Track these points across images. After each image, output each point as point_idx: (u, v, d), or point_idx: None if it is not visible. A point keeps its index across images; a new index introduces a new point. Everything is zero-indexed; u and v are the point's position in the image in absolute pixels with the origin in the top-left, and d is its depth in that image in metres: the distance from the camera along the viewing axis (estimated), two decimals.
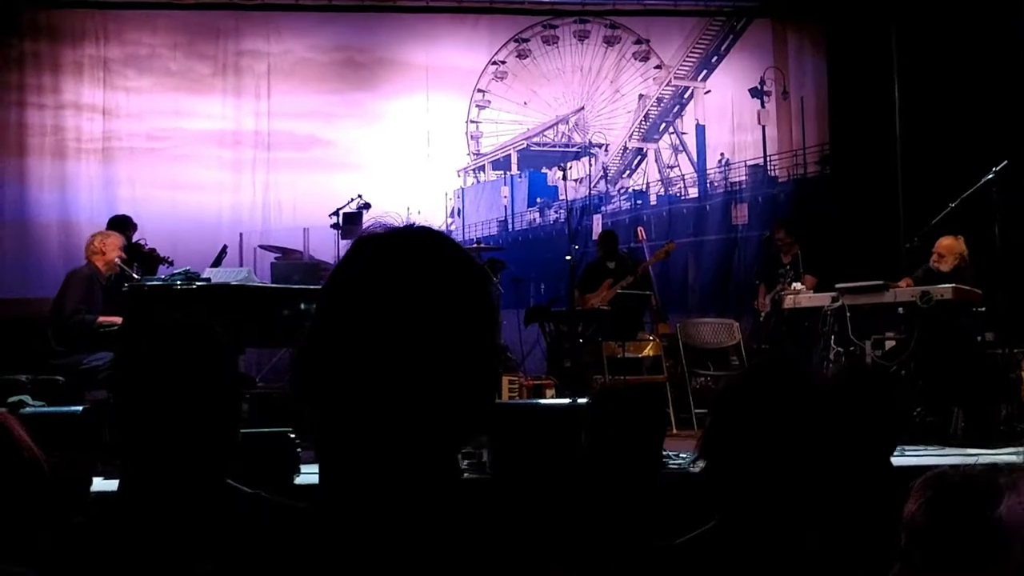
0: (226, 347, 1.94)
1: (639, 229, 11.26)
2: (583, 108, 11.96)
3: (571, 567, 1.13)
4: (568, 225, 9.72)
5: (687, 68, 11.93)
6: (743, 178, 11.75)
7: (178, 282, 7.08)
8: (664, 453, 5.46)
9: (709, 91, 11.91)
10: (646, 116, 11.99)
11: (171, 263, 8.21)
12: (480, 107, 11.79)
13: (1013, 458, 5.71)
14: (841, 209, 10.88)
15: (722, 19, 11.86)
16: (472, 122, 11.77)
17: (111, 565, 1.69)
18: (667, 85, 11.96)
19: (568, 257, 9.20)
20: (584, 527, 3.07)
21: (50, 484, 1.77)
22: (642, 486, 3.20)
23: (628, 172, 11.99)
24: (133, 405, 1.85)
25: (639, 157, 12.03)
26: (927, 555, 1.74)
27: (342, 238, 8.76)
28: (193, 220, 10.57)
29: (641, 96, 11.98)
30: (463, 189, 11.75)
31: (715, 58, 11.90)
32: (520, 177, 11.99)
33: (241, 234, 10.59)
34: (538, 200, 11.95)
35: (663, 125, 12.02)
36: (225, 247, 9.16)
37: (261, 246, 10.16)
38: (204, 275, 7.41)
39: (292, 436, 5.00)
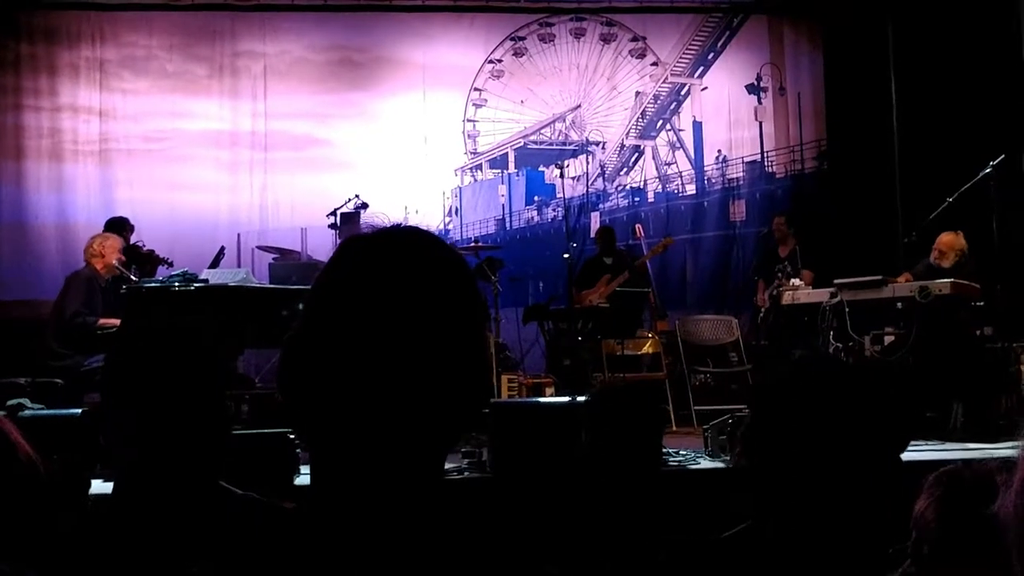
0: (215, 348, 1.93)
1: (637, 226, 11.26)
2: (580, 106, 11.96)
3: (564, 565, 1.13)
4: (566, 223, 9.71)
5: (684, 65, 11.93)
6: (740, 174, 11.75)
7: (176, 283, 7.07)
8: (664, 450, 5.47)
9: (706, 88, 11.91)
10: (643, 113, 11.98)
11: (171, 264, 8.21)
12: (477, 106, 11.79)
13: (1012, 452, 5.71)
14: (839, 205, 10.88)
15: (718, 15, 11.86)
16: (469, 121, 11.77)
17: (105, 566, 1.69)
18: (664, 82, 11.96)
19: (566, 255, 9.19)
20: (584, 525, 3.07)
21: (47, 487, 1.77)
22: (642, 483, 3.19)
23: (625, 169, 11.99)
24: (123, 407, 1.85)
25: (636, 154, 12.03)
26: (937, 551, 1.73)
27: (340, 238, 8.75)
28: (191, 221, 10.57)
29: (638, 93, 11.97)
30: (460, 188, 11.75)
31: (712, 55, 11.89)
32: (517, 175, 11.98)
33: (239, 235, 10.60)
34: (536, 198, 11.95)
35: (660, 122, 12.02)
36: (223, 248, 9.16)
37: (259, 247, 10.15)
38: (202, 276, 7.40)
39: (291, 437, 4.99)
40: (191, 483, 1.84)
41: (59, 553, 1.71)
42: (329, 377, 1.07)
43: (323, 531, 1.08)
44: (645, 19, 11.93)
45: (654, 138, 12.01)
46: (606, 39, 11.92)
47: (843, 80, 11.20)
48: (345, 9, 11.33)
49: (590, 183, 11.70)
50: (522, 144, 11.95)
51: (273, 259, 9.41)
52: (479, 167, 11.91)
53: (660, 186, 11.93)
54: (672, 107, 12.01)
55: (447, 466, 4.62)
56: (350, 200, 9.04)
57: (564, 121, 11.98)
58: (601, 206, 11.81)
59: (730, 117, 11.83)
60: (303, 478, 5.01)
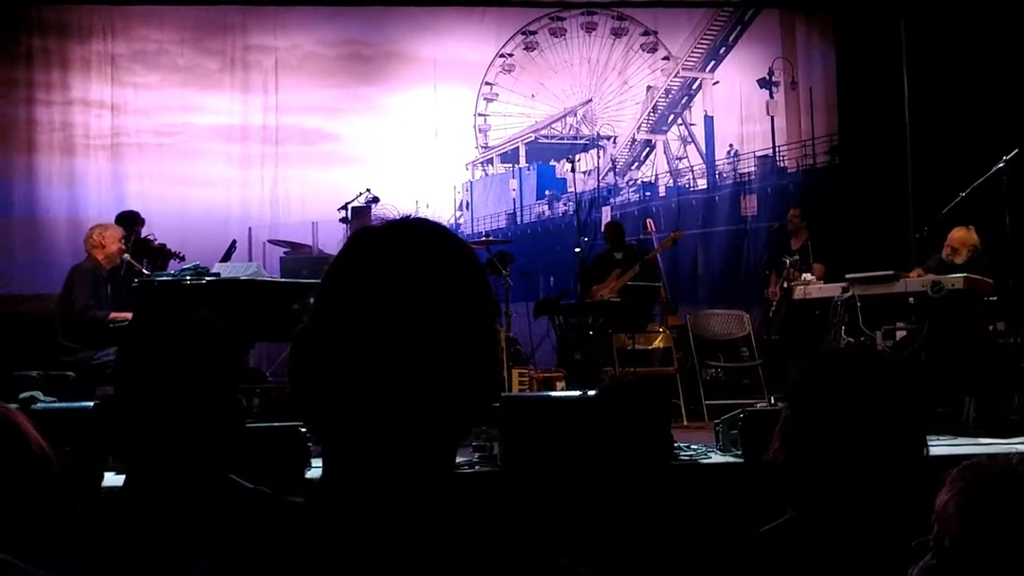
0: (227, 341, 1.93)
1: (648, 221, 11.23)
2: (591, 100, 11.94)
3: (576, 558, 1.12)
4: (577, 217, 9.71)
5: (695, 59, 11.90)
6: (752, 169, 11.72)
7: (187, 277, 7.09)
8: (675, 445, 5.46)
9: (717, 82, 11.88)
10: (654, 108, 11.96)
11: (182, 258, 8.23)
12: (488, 100, 11.78)
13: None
14: (851, 199, 10.85)
15: (730, 9, 11.83)
16: (480, 115, 11.76)
17: (116, 558, 1.69)
18: (675, 76, 11.93)
19: (577, 249, 9.19)
20: (594, 519, 3.07)
21: (60, 479, 1.77)
22: (652, 477, 3.19)
23: (637, 164, 11.97)
24: (136, 400, 1.85)
25: (648, 149, 12.00)
26: (959, 544, 1.73)
27: (351, 232, 8.73)
28: (202, 215, 10.59)
29: (649, 88, 11.95)
30: (471, 182, 11.74)
31: (723, 49, 11.86)
32: (528, 170, 11.97)
33: (250, 229, 10.61)
34: (547, 193, 11.94)
35: (671, 116, 11.99)
36: (234, 242, 9.18)
37: (270, 241, 10.17)
38: (213, 270, 7.42)
39: (303, 430, 4.99)
40: (202, 476, 1.84)
41: (71, 545, 1.72)
42: (340, 370, 1.06)
43: (334, 525, 1.08)
44: (656, 13, 11.91)
45: (665, 132, 11.99)
46: (617, 33, 11.90)
47: (855, 74, 11.16)
48: (356, 3, 11.32)
49: (601, 177, 11.68)
50: (533, 138, 11.94)
51: (284, 253, 9.43)
52: (490, 161, 11.90)
53: (671, 180, 11.91)
54: (683, 101, 11.98)
55: (459, 460, 4.62)
56: (361, 194, 9.04)
57: (575, 115, 11.97)
58: (612, 200, 11.79)
59: (742, 111, 11.80)
60: (314, 471, 5.01)
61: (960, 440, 6.30)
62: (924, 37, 10.30)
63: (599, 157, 11.81)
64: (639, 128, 11.96)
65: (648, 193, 11.89)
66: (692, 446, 5.81)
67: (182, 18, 10.97)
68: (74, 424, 4.75)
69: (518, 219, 11.86)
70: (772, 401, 6.54)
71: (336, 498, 1.09)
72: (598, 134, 11.91)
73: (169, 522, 1.77)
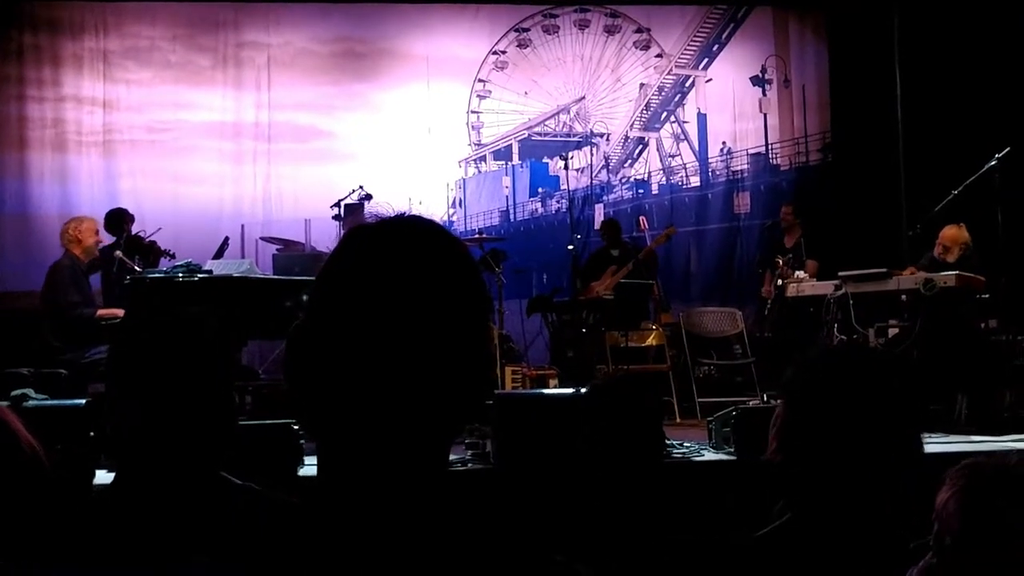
0: (221, 338, 1.93)
1: (641, 218, 11.25)
2: (584, 98, 11.94)
3: (572, 555, 1.12)
4: (570, 215, 9.71)
5: (688, 57, 11.91)
6: (745, 166, 11.73)
7: (180, 274, 7.07)
8: (668, 442, 5.46)
9: (710, 80, 11.89)
10: (647, 105, 11.96)
11: (173, 256, 8.21)
12: (481, 97, 11.77)
13: (1019, 445, 5.71)
14: (843, 197, 10.87)
15: (723, 7, 11.83)
16: (473, 112, 11.75)
17: (106, 556, 1.69)
18: (668, 74, 11.93)
19: (570, 247, 9.19)
20: (588, 516, 3.07)
21: (50, 478, 1.76)
22: (644, 474, 3.19)
23: (630, 161, 11.97)
24: (128, 397, 1.85)
25: (641, 146, 12.01)
26: (959, 543, 1.73)
27: (343, 229, 8.73)
28: (194, 212, 10.57)
29: (642, 85, 11.95)
30: (464, 179, 11.74)
31: (716, 46, 11.87)
32: (521, 167, 11.97)
33: (243, 226, 10.60)
34: (540, 190, 11.94)
35: (664, 114, 11.99)
36: (227, 239, 9.15)
37: (263, 238, 10.15)
38: (206, 267, 7.40)
39: (295, 428, 4.99)
40: (194, 474, 1.83)
41: (61, 543, 1.71)
42: (334, 367, 1.07)
43: (331, 524, 1.08)
44: (649, 10, 11.91)
45: (658, 130, 11.99)
46: (610, 30, 11.89)
47: (848, 72, 11.18)
48: (349, 0, 11.31)
49: (594, 175, 11.68)
50: (526, 135, 11.94)
51: (277, 250, 9.41)
52: (483, 158, 11.89)
53: (664, 178, 11.92)
54: (676, 99, 11.98)
55: (452, 457, 4.61)
56: (354, 191, 9.02)
57: (568, 113, 11.96)
58: (605, 198, 11.79)
59: (734, 109, 11.81)
60: (307, 469, 5.01)
61: (952, 438, 6.32)
62: (917, 35, 10.32)
63: (592, 154, 11.81)
64: (632, 125, 11.96)
65: (641, 191, 11.90)
66: (685, 444, 5.81)
67: (174, 15, 10.94)
68: (66, 422, 4.73)
69: (511, 216, 11.86)
70: (765, 399, 6.54)
71: (333, 497, 1.09)
72: (591, 131, 11.91)
73: (160, 519, 1.76)
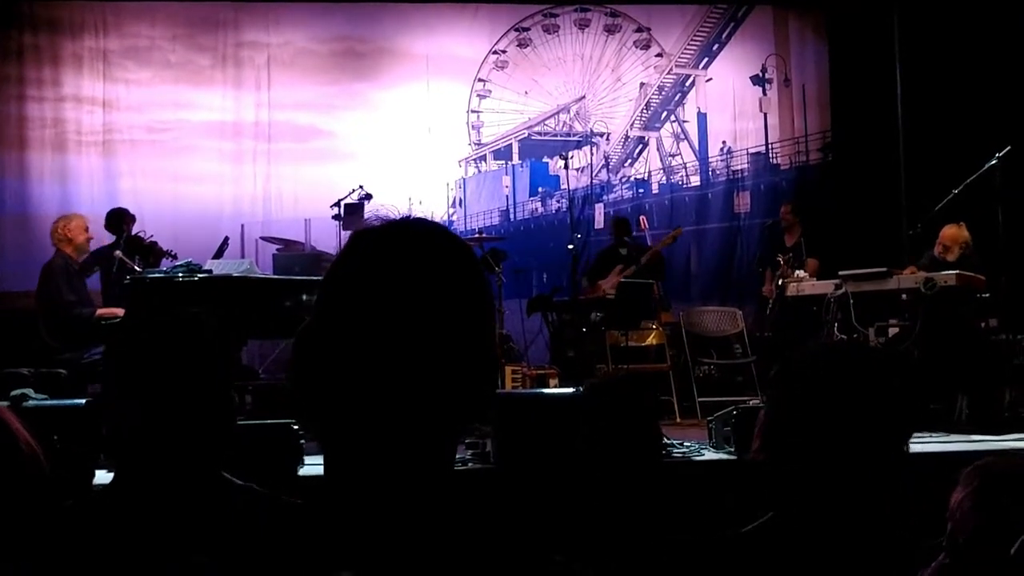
0: (219, 338, 1.93)
1: (641, 218, 11.25)
2: (584, 97, 11.93)
3: (571, 555, 1.12)
4: (570, 214, 9.70)
5: (688, 56, 11.90)
6: (745, 166, 11.72)
7: (180, 274, 7.08)
8: (668, 442, 5.46)
9: (710, 79, 11.88)
10: (647, 104, 11.96)
11: (174, 256, 8.21)
12: (481, 96, 11.77)
13: (1020, 444, 5.70)
14: (843, 196, 10.86)
15: (723, 6, 11.82)
16: (473, 112, 11.75)
17: (106, 556, 1.68)
18: (668, 73, 11.93)
19: (570, 246, 9.18)
20: (587, 516, 3.06)
21: (49, 478, 1.76)
22: (642, 474, 3.18)
23: (630, 161, 11.97)
24: (127, 397, 1.84)
25: (641, 146, 12.00)
26: (973, 542, 1.73)
27: (343, 229, 8.74)
28: (194, 212, 10.57)
29: (642, 84, 11.95)
30: (464, 179, 11.73)
31: (716, 46, 11.86)
32: (521, 166, 11.97)
33: (243, 225, 10.60)
34: (540, 189, 11.94)
35: (664, 113, 11.99)
36: (227, 239, 9.15)
37: (263, 237, 10.15)
38: (206, 267, 7.40)
39: (295, 427, 4.99)
40: (193, 473, 1.83)
41: (61, 543, 1.71)
42: (341, 369, 1.07)
43: (335, 524, 1.08)
44: (650, 10, 11.90)
45: (658, 129, 11.99)
46: (610, 30, 11.89)
47: (848, 71, 11.17)
48: (348, 0, 11.31)
49: (594, 174, 11.68)
50: (526, 135, 11.93)
51: (277, 250, 9.41)
52: (483, 158, 11.89)
53: (664, 177, 11.91)
54: (676, 98, 11.98)
55: None
56: (354, 191, 9.02)
57: (568, 112, 11.96)
58: (605, 197, 11.79)
59: (735, 108, 11.81)
60: (307, 469, 5.01)
61: (952, 437, 6.31)
62: (917, 34, 10.31)
63: (592, 154, 11.81)
64: (632, 125, 11.95)
65: (641, 190, 11.89)
66: (685, 443, 5.81)
67: (174, 14, 10.94)
68: (65, 422, 4.73)
69: (511, 216, 11.85)
70: (765, 398, 6.53)
71: (339, 497, 1.10)
72: (591, 131, 11.91)
73: (160, 519, 1.76)
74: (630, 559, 2.72)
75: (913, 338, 7.16)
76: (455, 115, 11.59)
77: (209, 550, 1.59)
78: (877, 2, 10.78)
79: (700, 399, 8.54)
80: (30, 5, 10.74)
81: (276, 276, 7.89)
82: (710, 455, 5.55)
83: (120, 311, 7.13)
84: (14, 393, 5.59)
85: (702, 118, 11.86)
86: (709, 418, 5.95)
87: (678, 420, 8.17)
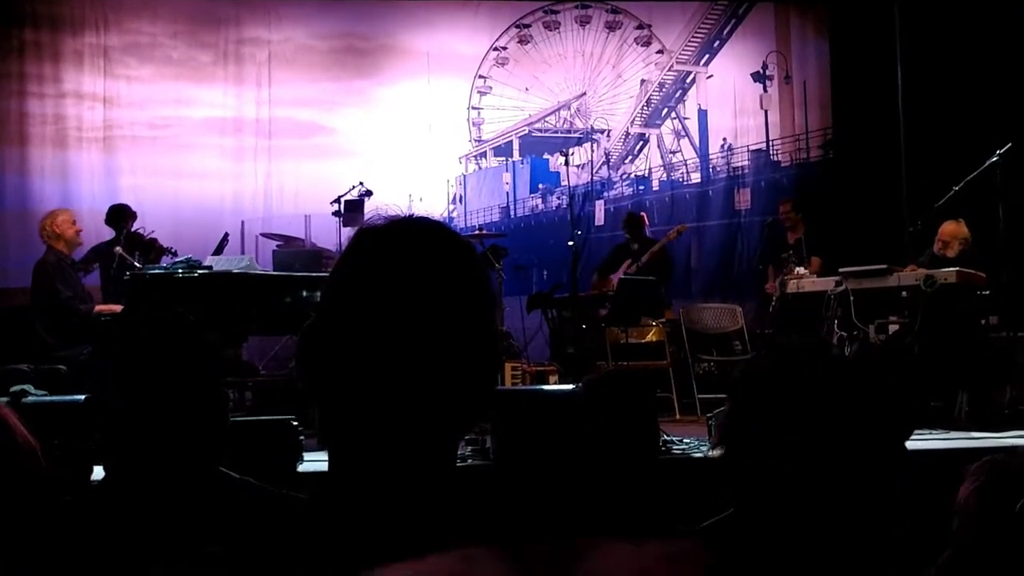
0: (202, 335, 1.93)
1: (642, 215, 11.23)
2: (585, 94, 11.93)
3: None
4: (571, 211, 9.69)
5: (689, 53, 11.90)
6: (746, 163, 11.72)
7: (180, 270, 7.08)
8: (667, 438, 5.47)
9: (711, 76, 11.88)
10: (648, 101, 11.95)
11: (174, 253, 8.21)
12: (482, 93, 11.77)
13: (1020, 441, 5.70)
14: (844, 193, 10.85)
15: (724, 3, 11.82)
16: (474, 108, 11.75)
17: (102, 552, 1.69)
18: (669, 70, 11.92)
19: (571, 243, 9.18)
20: (586, 512, 3.06)
21: (46, 474, 1.76)
22: (639, 471, 3.18)
23: (630, 157, 11.96)
24: (123, 394, 1.85)
25: (641, 142, 12.00)
26: (979, 539, 1.73)
27: (344, 225, 8.74)
28: (195, 208, 10.56)
29: (643, 81, 11.94)
30: (465, 176, 11.73)
31: (717, 42, 11.86)
32: (522, 163, 11.97)
33: (243, 222, 10.59)
34: (540, 186, 11.94)
35: (665, 110, 11.99)
36: (227, 235, 9.13)
37: (263, 234, 10.14)
38: (206, 263, 7.40)
39: (295, 424, 4.99)
40: (190, 468, 1.83)
41: (58, 539, 1.71)
42: (346, 366, 1.09)
43: (338, 518, 1.09)
44: (651, 7, 11.90)
45: (659, 126, 11.98)
46: (611, 27, 11.88)
47: (849, 68, 11.16)
48: None
49: (595, 171, 11.68)
50: (527, 132, 11.93)
51: (277, 246, 9.40)
52: (483, 155, 11.89)
53: (665, 174, 11.91)
54: (677, 95, 11.97)
55: None
56: (354, 187, 9.01)
57: (569, 109, 11.96)
58: (606, 194, 11.79)
59: (735, 105, 11.80)
60: (306, 465, 5.01)
61: (953, 434, 6.31)
62: (918, 31, 10.30)
63: (593, 151, 11.80)
64: (633, 122, 11.95)
65: (642, 187, 11.89)
66: (684, 440, 5.81)
67: (175, 11, 10.94)
68: (65, 418, 4.73)
69: (511, 213, 11.85)
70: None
71: (342, 492, 1.11)
72: (592, 128, 11.91)
73: (156, 513, 1.76)
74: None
75: (913, 335, 7.15)
76: (456, 112, 11.59)
77: (208, 544, 1.59)
78: None
79: (700, 396, 8.53)
80: (31, 2, 10.74)
81: (276, 272, 7.89)
82: (709, 452, 5.55)
83: (120, 308, 7.13)
84: (14, 389, 5.59)
85: (703, 115, 11.86)
86: (709, 415, 5.95)
87: (677, 417, 8.16)
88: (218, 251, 8.59)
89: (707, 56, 11.88)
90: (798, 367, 1.85)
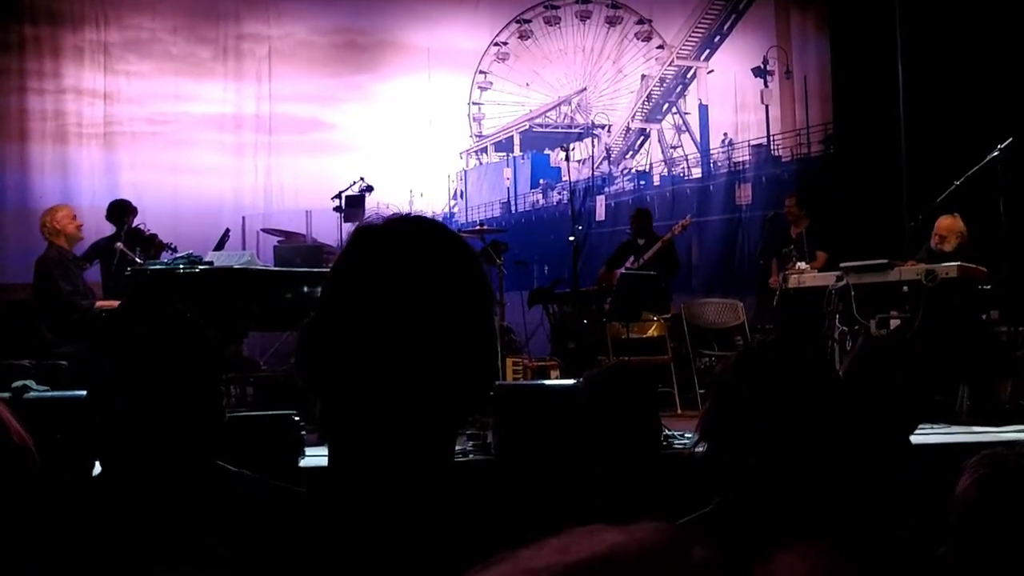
0: (200, 331, 1.93)
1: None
2: (585, 89, 11.92)
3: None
4: (571, 206, 9.68)
5: (690, 48, 11.89)
6: (746, 158, 11.71)
7: (181, 266, 7.08)
8: (668, 433, 5.46)
9: (712, 71, 11.87)
10: (649, 96, 11.95)
11: (175, 249, 8.21)
12: (482, 88, 11.76)
13: (1021, 436, 5.71)
14: (845, 189, 10.84)
15: None
16: (474, 104, 11.74)
17: (100, 548, 1.68)
18: (670, 65, 11.92)
19: (571, 238, 9.17)
20: (587, 508, 3.06)
21: (40, 471, 1.75)
22: (640, 466, 3.18)
23: (631, 153, 11.96)
24: (122, 389, 1.84)
25: (642, 138, 11.99)
26: (978, 532, 1.73)
27: (344, 221, 8.74)
28: (195, 204, 10.56)
29: (644, 76, 11.94)
30: (465, 171, 11.73)
31: (718, 37, 11.85)
32: (523, 159, 11.96)
33: (244, 218, 10.59)
34: (541, 181, 11.93)
35: (666, 105, 11.98)
36: (227, 231, 9.13)
37: (263, 229, 10.15)
38: (207, 259, 7.40)
39: (296, 419, 4.99)
40: (187, 462, 1.83)
41: (54, 534, 1.71)
42: (345, 360, 1.10)
43: (336, 511, 1.10)
44: (651, 1, 11.90)
45: (660, 121, 11.98)
46: (612, 22, 11.88)
47: (850, 63, 11.15)
48: None
49: (596, 166, 11.67)
50: (527, 127, 11.93)
51: (278, 242, 9.40)
52: (484, 150, 11.89)
53: (666, 169, 11.91)
54: (678, 90, 11.97)
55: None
56: (355, 183, 9.01)
57: (570, 104, 11.95)
58: (607, 189, 11.78)
59: (736, 100, 11.80)
60: (308, 460, 5.01)
61: (954, 429, 6.31)
62: (919, 25, 10.28)
63: (593, 146, 11.80)
64: (633, 117, 11.94)
65: (643, 182, 11.89)
66: (686, 435, 5.80)
67: (175, 6, 10.93)
68: (67, 413, 4.73)
69: (512, 208, 11.85)
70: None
71: (341, 485, 1.12)
72: (592, 123, 11.90)
73: (153, 506, 1.76)
74: None
75: (914, 330, 7.15)
76: (456, 107, 11.59)
77: (206, 537, 1.59)
78: None
79: (701, 391, 8.52)
80: None
81: (277, 268, 7.89)
82: None
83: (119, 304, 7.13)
84: (15, 385, 5.59)
85: (703, 110, 11.85)
86: None
87: (679, 412, 8.16)
88: (219, 247, 8.59)
89: (708, 51, 11.87)
90: (776, 364, 1.86)
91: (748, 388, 1.86)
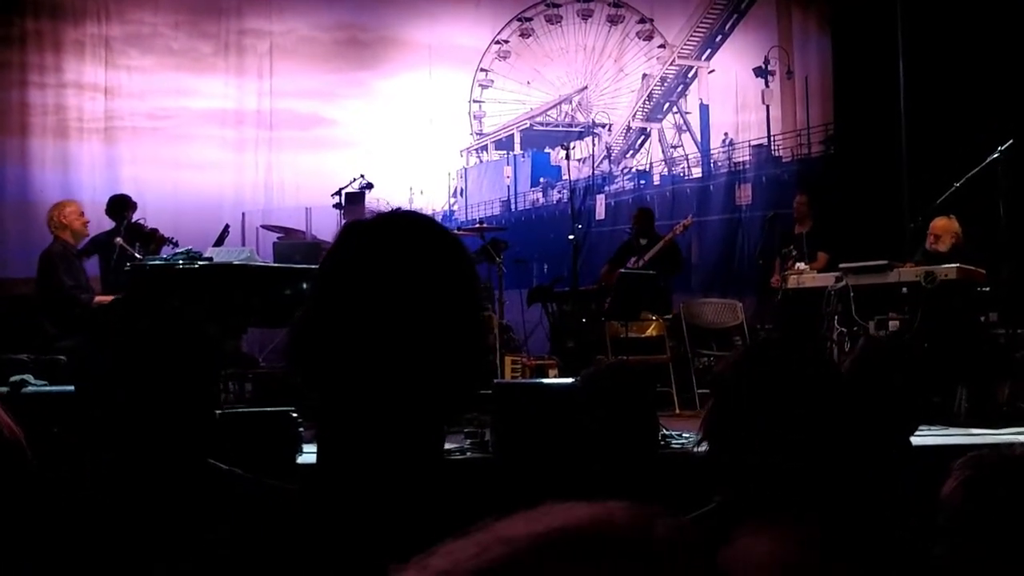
0: (199, 328, 1.93)
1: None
2: (586, 87, 11.92)
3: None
4: (571, 205, 9.69)
5: (691, 47, 11.89)
6: (747, 158, 11.71)
7: (180, 261, 7.07)
8: (666, 432, 5.47)
9: (713, 70, 11.87)
10: (649, 96, 11.94)
11: (175, 244, 8.21)
12: (483, 86, 11.76)
13: (1019, 437, 5.71)
14: (845, 189, 10.84)
15: None
16: (475, 101, 11.74)
17: (98, 545, 1.69)
18: (671, 64, 11.91)
19: (571, 237, 9.17)
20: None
21: (33, 466, 1.75)
22: (639, 464, 3.18)
23: (631, 152, 11.96)
24: (119, 385, 1.84)
25: (642, 137, 11.99)
26: (966, 534, 1.74)
27: (344, 218, 8.74)
28: (195, 200, 10.56)
29: (645, 75, 11.93)
30: (466, 169, 11.73)
31: (719, 37, 11.84)
32: (523, 157, 11.96)
33: (243, 214, 10.59)
34: (541, 180, 11.93)
35: (667, 105, 11.98)
36: (227, 227, 9.13)
37: (263, 226, 10.15)
38: (206, 254, 7.40)
39: (294, 415, 4.99)
40: (179, 459, 1.83)
41: (50, 533, 1.71)
42: (335, 354, 1.10)
43: (328, 509, 1.09)
44: (653, 1, 11.89)
45: (660, 121, 11.98)
46: (613, 20, 11.87)
47: (851, 64, 11.15)
48: None
49: (596, 165, 11.67)
50: (528, 125, 11.92)
51: (278, 238, 9.40)
52: (485, 148, 11.88)
53: (666, 169, 11.91)
54: (679, 90, 11.97)
55: (450, 446, 4.60)
56: (355, 180, 9.01)
57: (570, 103, 11.95)
58: (607, 188, 11.78)
59: (737, 100, 11.80)
60: (306, 457, 5.01)
61: (952, 430, 6.31)
62: (920, 26, 10.28)
63: (594, 145, 11.80)
64: (634, 116, 11.94)
65: (643, 181, 11.89)
66: (684, 434, 5.81)
67: (177, 1, 10.93)
68: (64, 408, 4.73)
69: (512, 206, 11.85)
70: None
71: (332, 482, 1.12)
72: (593, 122, 11.90)
73: (144, 503, 1.76)
74: None
75: (913, 331, 7.15)
76: (457, 104, 11.59)
77: (196, 534, 1.59)
78: None
79: (699, 391, 8.52)
80: None
81: (276, 264, 7.89)
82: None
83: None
84: (14, 379, 5.59)
85: (704, 109, 11.85)
86: None
87: (677, 411, 8.17)
88: (219, 242, 8.60)
89: (709, 51, 11.87)
90: (776, 364, 1.87)
91: (748, 387, 1.87)
